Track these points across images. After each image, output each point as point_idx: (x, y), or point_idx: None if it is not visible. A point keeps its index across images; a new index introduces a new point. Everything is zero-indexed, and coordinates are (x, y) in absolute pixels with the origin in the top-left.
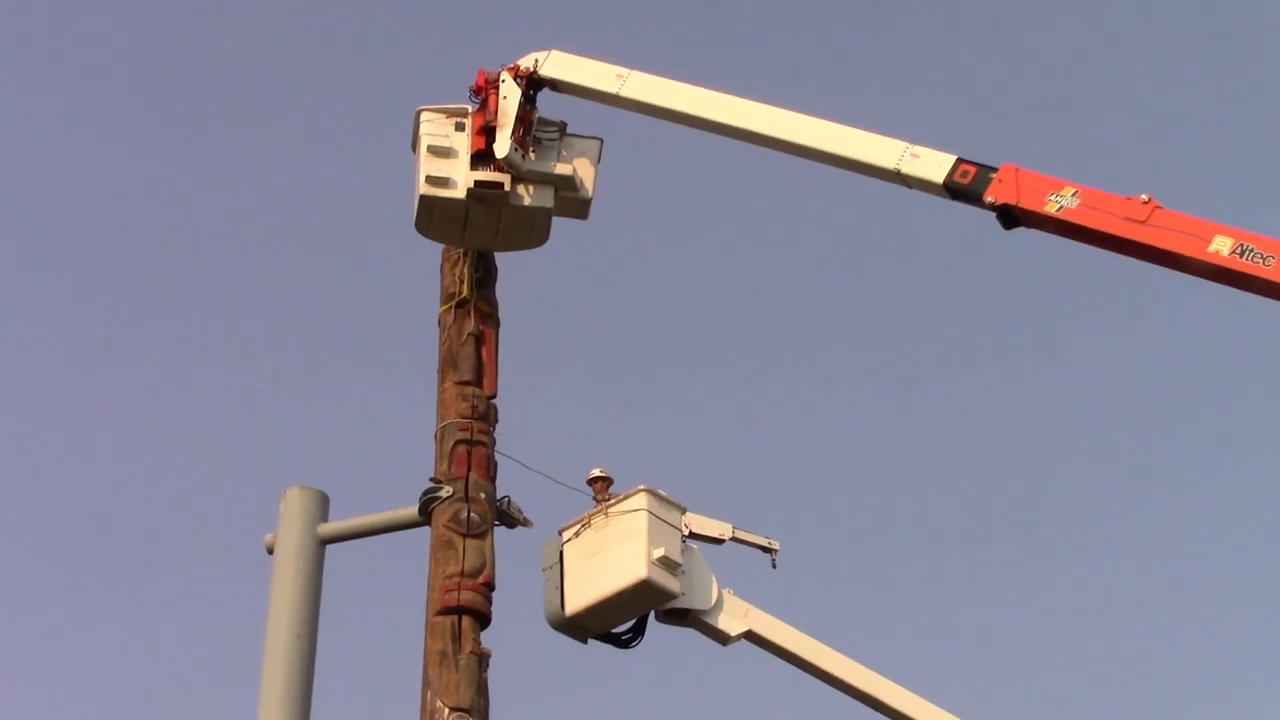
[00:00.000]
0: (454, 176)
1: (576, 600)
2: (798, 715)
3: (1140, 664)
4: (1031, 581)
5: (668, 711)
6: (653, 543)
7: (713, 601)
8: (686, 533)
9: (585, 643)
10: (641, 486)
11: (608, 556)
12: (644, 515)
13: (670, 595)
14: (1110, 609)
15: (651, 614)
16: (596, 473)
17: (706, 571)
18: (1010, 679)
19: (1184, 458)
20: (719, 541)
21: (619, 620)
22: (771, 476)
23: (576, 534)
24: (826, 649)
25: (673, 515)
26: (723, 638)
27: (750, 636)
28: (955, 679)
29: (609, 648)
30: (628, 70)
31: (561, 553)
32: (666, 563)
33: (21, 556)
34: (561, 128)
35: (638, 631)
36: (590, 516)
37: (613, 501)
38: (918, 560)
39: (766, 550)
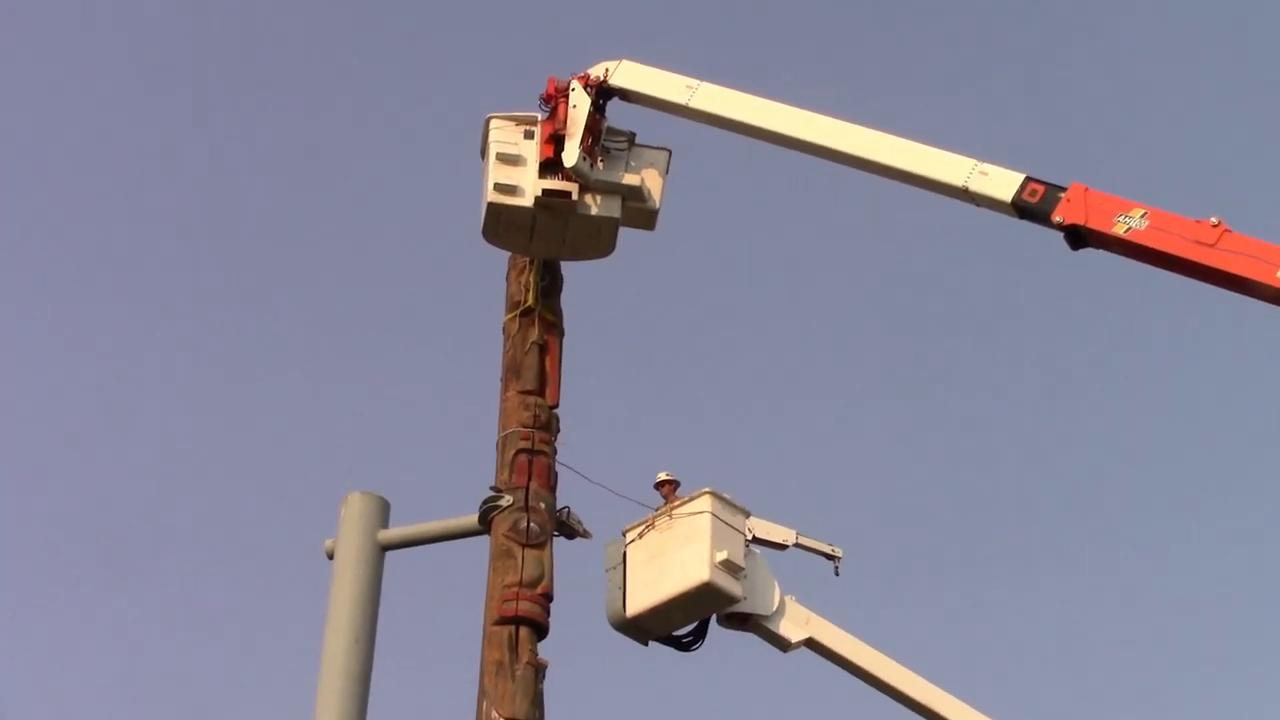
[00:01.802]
0: (522, 184)
1: (639, 601)
2: None
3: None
4: (1096, 592)
5: (719, 701)
6: (716, 546)
7: (774, 607)
8: (750, 537)
9: (646, 644)
10: (706, 490)
11: (671, 558)
12: (708, 518)
13: (732, 599)
14: (1185, 614)
15: (713, 618)
16: (663, 476)
17: (769, 577)
18: (1074, 691)
19: (1226, 463)
20: (782, 547)
21: (680, 622)
22: (837, 485)
23: (640, 535)
24: (887, 660)
25: (737, 519)
26: (783, 644)
27: (811, 644)
28: (1018, 692)
29: (670, 650)
30: (698, 81)
31: (625, 554)
32: (729, 566)
33: (85, 558)
34: (630, 138)
35: (699, 634)
36: (654, 518)
37: (677, 504)
38: (984, 572)
39: (830, 558)
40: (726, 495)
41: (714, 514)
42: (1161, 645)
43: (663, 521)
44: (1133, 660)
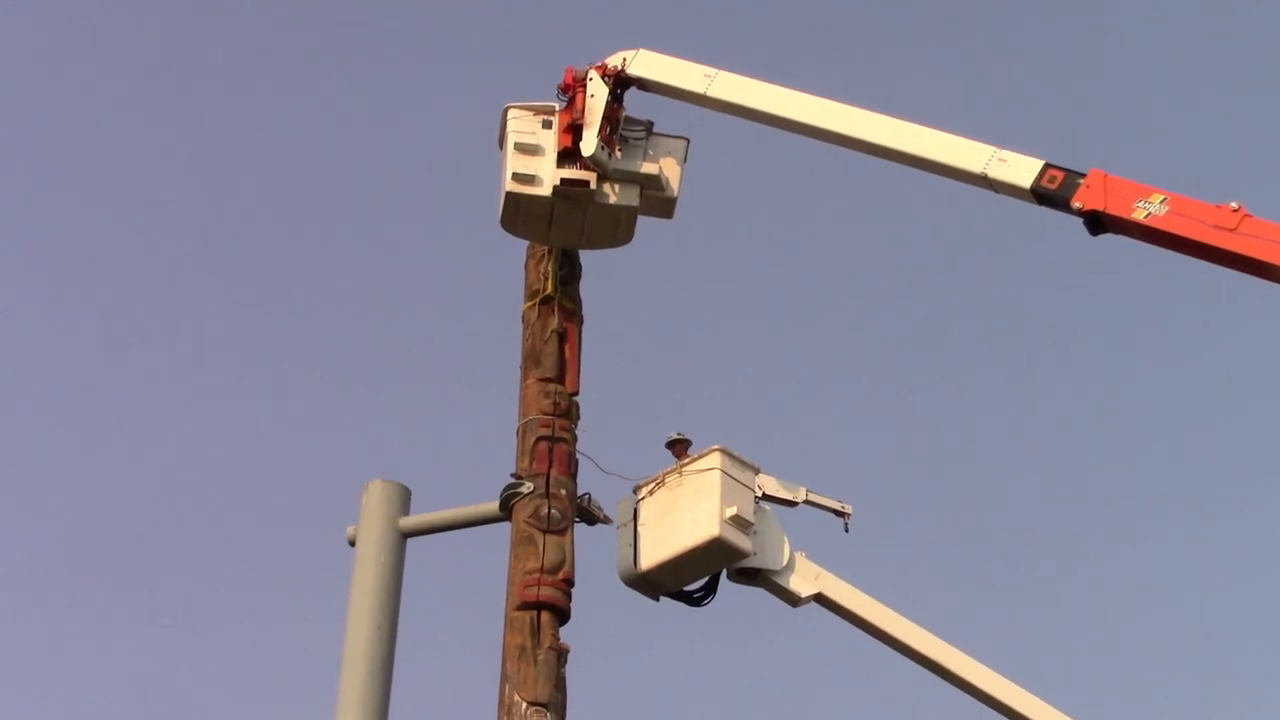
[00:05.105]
0: (540, 174)
1: (650, 557)
2: (864, 680)
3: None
4: (1102, 559)
5: (739, 678)
6: (726, 501)
7: (784, 562)
8: (760, 494)
9: (657, 600)
10: (716, 446)
11: (681, 514)
12: (717, 474)
13: (742, 554)
14: (1178, 597)
15: (723, 573)
16: (674, 435)
17: (779, 532)
18: (1082, 656)
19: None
20: (792, 504)
21: (691, 578)
22: (847, 442)
23: (651, 492)
24: (896, 615)
25: (746, 475)
26: (793, 599)
27: (820, 599)
28: (1023, 649)
29: (681, 605)
30: (715, 70)
31: (636, 510)
32: (739, 521)
33: (106, 546)
34: (648, 127)
35: (709, 590)
36: (665, 475)
37: (687, 461)
38: (993, 529)
39: (839, 514)
40: (736, 452)
41: (723, 470)
42: (1199, 630)
43: (673, 479)
44: (1156, 636)
